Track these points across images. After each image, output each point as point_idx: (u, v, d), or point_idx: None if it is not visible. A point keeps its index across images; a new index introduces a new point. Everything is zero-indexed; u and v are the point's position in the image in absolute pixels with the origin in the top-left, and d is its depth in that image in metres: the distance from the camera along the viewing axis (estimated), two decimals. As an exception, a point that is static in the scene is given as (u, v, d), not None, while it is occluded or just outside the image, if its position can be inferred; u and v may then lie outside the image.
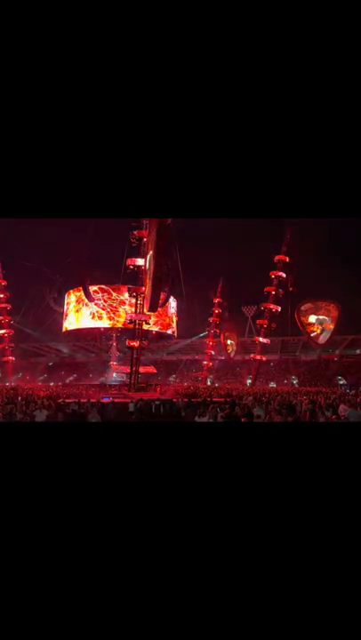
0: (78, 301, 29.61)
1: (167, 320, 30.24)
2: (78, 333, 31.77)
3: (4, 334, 29.11)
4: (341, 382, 32.02)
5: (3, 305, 28.86)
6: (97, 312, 28.13)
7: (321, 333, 28.27)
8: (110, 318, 28.15)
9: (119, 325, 27.66)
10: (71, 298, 30.32)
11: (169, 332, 30.58)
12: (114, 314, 28.02)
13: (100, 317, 28.30)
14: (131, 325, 21.30)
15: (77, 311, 29.57)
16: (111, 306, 28.03)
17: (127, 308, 26.78)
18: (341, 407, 8.88)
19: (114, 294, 28.04)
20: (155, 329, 28.60)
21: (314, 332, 28.33)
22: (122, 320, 27.25)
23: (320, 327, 28.01)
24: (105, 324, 28.46)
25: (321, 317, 27.83)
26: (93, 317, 28.51)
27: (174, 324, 31.41)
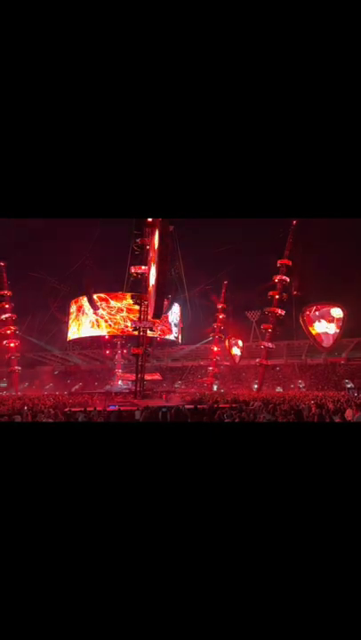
0: (78, 310, 29.84)
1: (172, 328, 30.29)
2: (83, 342, 31.92)
3: (9, 344, 29.27)
4: (349, 386, 31.65)
5: (8, 315, 29.08)
6: (96, 320, 28.35)
7: (326, 337, 28.08)
8: (109, 326, 28.34)
9: (117, 332, 27.91)
10: (73, 308, 30.58)
11: (170, 337, 30.57)
12: (112, 321, 28.21)
13: (99, 325, 28.52)
14: (133, 332, 21.36)
15: (77, 320, 29.82)
16: (109, 314, 28.21)
17: (125, 314, 27.05)
18: (348, 412, 8.78)
19: (112, 302, 28.24)
20: (154, 335, 28.56)
21: (320, 336, 28.15)
22: (119, 327, 27.51)
23: (326, 331, 27.84)
24: (103, 331, 28.67)
25: (326, 323, 27.67)
26: (93, 326, 28.73)
27: (177, 330, 31.42)
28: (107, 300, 28.19)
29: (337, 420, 8.03)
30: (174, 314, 30.64)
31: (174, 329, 30.90)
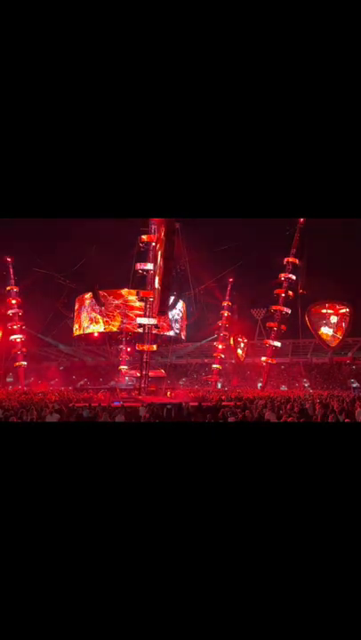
0: (80, 307, 30.00)
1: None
2: (88, 338, 32.09)
3: (16, 339, 29.54)
4: (355, 385, 31.42)
5: (15, 310, 29.32)
6: (94, 317, 28.46)
7: (333, 337, 27.91)
8: (106, 323, 28.43)
9: (114, 329, 28.00)
10: (77, 305, 30.80)
11: (170, 333, 30.51)
12: (110, 318, 28.28)
13: (97, 322, 28.65)
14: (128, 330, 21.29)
15: (79, 317, 30.03)
16: (107, 310, 28.28)
17: (122, 311, 27.17)
18: (356, 412, 8.71)
19: (110, 298, 28.29)
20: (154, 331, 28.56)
21: (325, 335, 27.97)
22: (117, 324, 27.55)
23: (332, 332, 27.66)
24: (101, 328, 28.81)
25: (333, 321, 27.45)
26: (91, 322, 28.89)
27: (180, 327, 31.42)
28: (105, 297, 28.29)
29: (343, 419, 7.97)
30: (177, 310, 30.62)
31: (175, 325, 30.89)
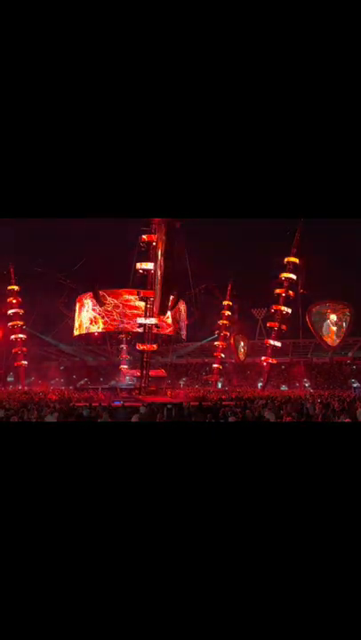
0: (80, 307, 30.05)
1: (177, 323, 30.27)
2: (88, 337, 32.11)
3: (16, 339, 29.59)
4: (355, 385, 31.41)
5: (15, 310, 29.36)
6: (94, 317, 28.46)
7: (333, 336, 27.90)
8: (105, 323, 28.46)
9: (113, 329, 28.08)
10: (77, 305, 30.82)
11: (168, 331, 30.52)
12: (108, 318, 28.28)
13: (97, 322, 28.67)
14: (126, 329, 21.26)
15: (79, 317, 30.07)
16: (106, 310, 28.28)
17: (121, 310, 27.16)
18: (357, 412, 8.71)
19: (109, 298, 28.28)
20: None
21: (327, 336, 27.96)
22: (115, 324, 27.59)
23: (334, 331, 27.64)
24: (100, 328, 28.82)
25: (334, 320, 27.45)
26: (91, 322, 28.93)
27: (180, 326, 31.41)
28: (104, 297, 28.31)
29: (344, 419, 7.97)
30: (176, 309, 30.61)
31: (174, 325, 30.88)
